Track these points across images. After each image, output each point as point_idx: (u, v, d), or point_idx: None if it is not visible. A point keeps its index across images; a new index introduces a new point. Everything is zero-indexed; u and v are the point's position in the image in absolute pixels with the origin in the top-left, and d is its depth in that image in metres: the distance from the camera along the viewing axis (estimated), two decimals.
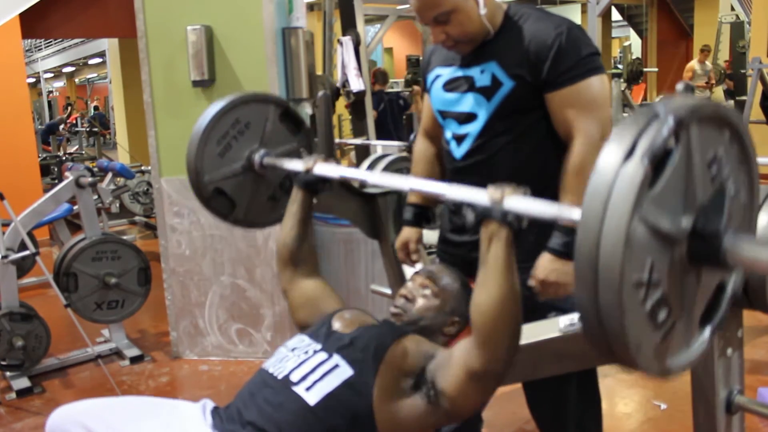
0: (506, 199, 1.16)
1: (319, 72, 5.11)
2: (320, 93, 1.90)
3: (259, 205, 1.88)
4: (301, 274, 1.64)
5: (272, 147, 1.85)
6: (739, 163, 1.00)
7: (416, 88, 7.26)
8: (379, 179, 1.45)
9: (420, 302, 1.50)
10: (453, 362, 1.26)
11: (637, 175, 0.83)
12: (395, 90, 8.02)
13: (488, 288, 1.19)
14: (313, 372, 1.33)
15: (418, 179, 1.37)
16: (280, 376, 1.35)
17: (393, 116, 6.72)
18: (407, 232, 1.79)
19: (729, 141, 0.97)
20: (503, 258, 1.19)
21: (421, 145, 1.82)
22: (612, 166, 0.84)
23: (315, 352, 1.38)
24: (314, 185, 1.65)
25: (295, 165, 1.70)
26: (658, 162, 0.85)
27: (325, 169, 1.61)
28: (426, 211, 1.81)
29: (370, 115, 5.56)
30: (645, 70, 9.99)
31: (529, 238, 1.47)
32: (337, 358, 1.34)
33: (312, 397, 1.29)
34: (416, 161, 1.82)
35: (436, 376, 1.29)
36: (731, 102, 8.93)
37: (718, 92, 9.73)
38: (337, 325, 1.47)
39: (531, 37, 1.50)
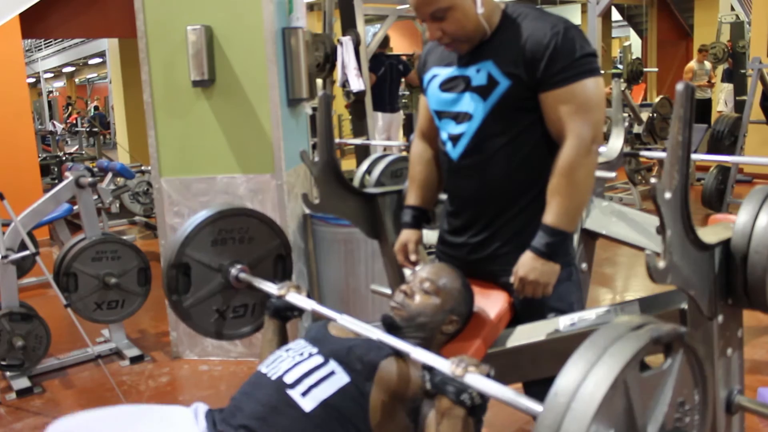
0: (467, 376, 1.15)
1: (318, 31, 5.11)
2: (320, 93, 1.90)
3: (205, 308, 1.90)
4: None
5: (254, 272, 1.90)
6: None
7: (417, 52, 7.16)
8: (349, 323, 1.44)
9: (418, 299, 1.50)
10: None
11: (641, 338, 0.91)
12: (396, 53, 7.93)
13: None
14: (308, 376, 1.33)
15: (385, 336, 1.37)
16: (273, 377, 1.35)
17: (392, 81, 6.68)
18: (406, 234, 1.79)
19: (698, 405, 1.04)
20: None
21: (418, 148, 1.82)
22: (622, 326, 0.94)
23: (311, 355, 1.38)
24: (283, 312, 1.68)
25: (268, 287, 1.74)
26: (642, 365, 0.94)
27: (296, 298, 1.64)
28: (425, 213, 1.81)
29: (370, 114, 5.55)
30: (645, 70, 9.98)
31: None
32: (333, 365, 1.34)
33: (307, 404, 1.28)
34: (413, 163, 1.82)
35: None
36: (730, 85, 8.89)
37: (719, 72, 9.66)
38: (333, 331, 1.47)
39: (527, 36, 1.50)
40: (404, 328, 1.47)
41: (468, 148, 1.60)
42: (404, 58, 7.70)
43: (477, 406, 1.17)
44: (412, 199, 1.81)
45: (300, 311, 1.66)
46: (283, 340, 1.69)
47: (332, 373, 1.32)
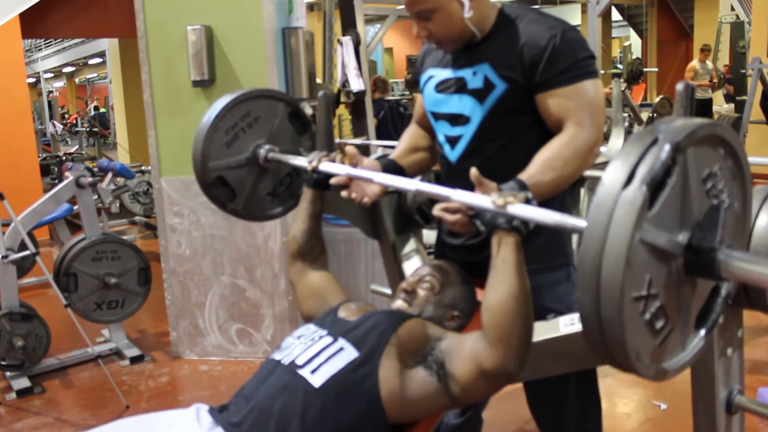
0: (509, 207, 1.17)
1: (318, 79, 5.10)
2: (320, 93, 1.91)
3: (258, 199, 1.91)
4: (309, 267, 1.68)
5: (278, 144, 1.88)
6: (732, 177, 1.05)
7: (416, 95, 7.19)
8: (384, 179, 1.46)
9: (421, 294, 1.51)
10: (465, 353, 1.26)
11: (636, 199, 0.88)
12: (395, 98, 8.01)
13: (498, 288, 1.21)
14: (318, 355, 1.34)
15: (424, 183, 1.37)
16: (286, 362, 1.36)
17: (394, 123, 6.71)
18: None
19: (723, 156, 1.02)
20: (512, 260, 1.21)
21: (410, 127, 1.84)
22: (613, 192, 0.90)
23: (320, 337, 1.39)
24: (323, 183, 1.68)
25: (299, 161, 1.72)
26: (655, 186, 0.91)
27: (330, 166, 1.63)
28: (399, 168, 1.74)
29: (370, 114, 5.55)
30: (645, 70, 10.00)
31: (537, 241, 1.46)
32: (342, 342, 1.35)
33: (317, 380, 1.29)
34: (402, 137, 1.83)
35: (446, 358, 1.29)
36: (731, 105, 8.92)
37: (718, 96, 9.72)
38: (342, 313, 1.49)
39: (525, 39, 1.49)
40: None
41: (466, 150, 1.60)
42: (404, 101, 7.76)
43: (531, 231, 1.22)
44: (395, 155, 1.78)
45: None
46: (318, 210, 1.72)
47: (341, 349, 1.33)
